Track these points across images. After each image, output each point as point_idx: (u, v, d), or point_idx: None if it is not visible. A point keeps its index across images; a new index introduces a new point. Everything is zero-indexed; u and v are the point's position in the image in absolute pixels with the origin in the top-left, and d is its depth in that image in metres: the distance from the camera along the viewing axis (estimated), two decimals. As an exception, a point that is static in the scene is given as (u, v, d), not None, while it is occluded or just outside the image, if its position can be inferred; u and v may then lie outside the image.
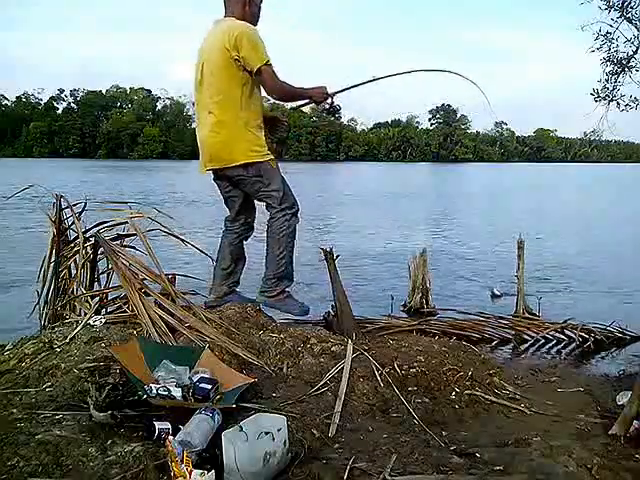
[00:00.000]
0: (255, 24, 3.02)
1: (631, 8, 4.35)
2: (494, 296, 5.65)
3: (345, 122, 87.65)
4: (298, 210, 3.12)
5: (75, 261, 3.26)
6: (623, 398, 2.60)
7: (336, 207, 15.81)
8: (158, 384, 2.12)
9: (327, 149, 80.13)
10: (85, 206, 3.37)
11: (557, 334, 4.39)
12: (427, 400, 2.51)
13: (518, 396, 2.71)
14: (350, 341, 2.91)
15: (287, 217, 3.05)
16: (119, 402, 2.03)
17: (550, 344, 4.34)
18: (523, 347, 4.31)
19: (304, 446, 1.90)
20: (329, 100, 3.13)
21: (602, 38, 4.53)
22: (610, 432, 2.23)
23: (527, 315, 4.79)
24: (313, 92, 3.12)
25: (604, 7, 4.38)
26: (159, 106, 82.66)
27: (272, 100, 3.30)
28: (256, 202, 3.21)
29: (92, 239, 3.25)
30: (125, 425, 1.90)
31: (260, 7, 3.07)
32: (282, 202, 3.04)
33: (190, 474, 1.59)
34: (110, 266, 3.19)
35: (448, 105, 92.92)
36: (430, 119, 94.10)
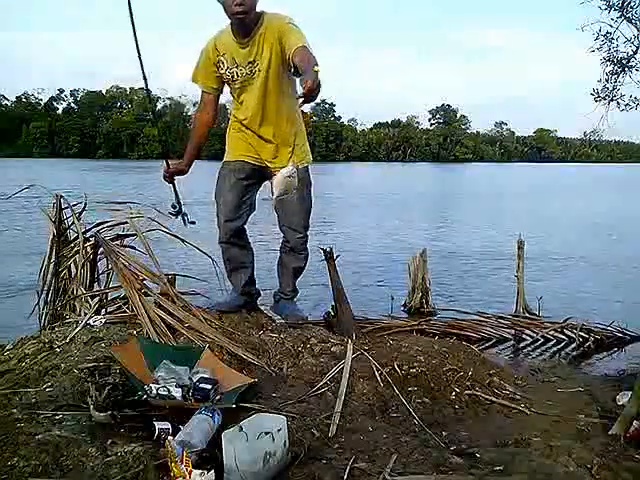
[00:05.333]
0: (234, 21, 2.73)
1: (631, 8, 4.34)
2: None
3: (345, 122, 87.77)
4: (220, 229, 3.09)
5: (75, 261, 3.26)
6: (623, 398, 2.61)
7: (351, 209, 15.78)
8: (158, 384, 2.12)
9: (327, 149, 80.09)
10: (85, 206, 3.37)
11: (557, 334, 4.39)
12: (427, 400, 2.51)
13: (518, 396, 2.71)
14: (350, 341, 2.91)
15: None
16: (119, 402, 2.03)
17: (550, 344, 4.34)
18: (523, 347, 4.32)
19: (304, 446, 1.90)
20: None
21: (602, 38, 4.53)
22: (610, 432, 2.23)
23: (527, 315, 4.80)
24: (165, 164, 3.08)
25: (604, 7, 4.38)
26: (159, 106, 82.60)
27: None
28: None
29: (92, 239, 3.25)
30: (125, 425, 1.90)
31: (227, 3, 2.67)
32: None
33: (190, 474, 1.59)
34: (110, 266, 3.19)
35: (448, 105, 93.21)
36: (430, 119, 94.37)
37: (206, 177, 3.16)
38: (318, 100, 3.08)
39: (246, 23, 2.70)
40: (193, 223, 3.09)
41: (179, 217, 3.09)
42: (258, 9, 2.74)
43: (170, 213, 3.08)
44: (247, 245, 3.20)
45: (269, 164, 2.99)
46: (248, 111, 2.91)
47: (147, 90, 3.06)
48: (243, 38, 2.76)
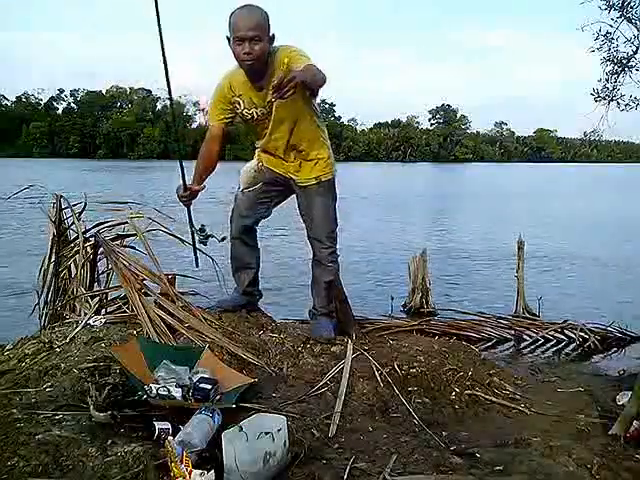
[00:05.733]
0: (244, 67, 2.68)
1: (631, 8, 4.35)
2: None
3: (345, 122, 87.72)
4: (233, 224, 3.11)
5: (75, 261, 3.26)
6: (623, 398, 2.61)
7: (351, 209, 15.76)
8: (158, 384, 2.12)
9: (327, 149, 79.77)
10: (85, 206, 3.37)
11: (557, 334, 4.40)
12: (427, 400, 2.51)
13: (518, 396, 2.71)
14: (350, 341, 2.91)
15: None
16: (119, 402, 2.03)
17: (550, 344, 4.34)
18: (523, 347, 4.32)
19: (304, 446, 1.90)
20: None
21: (602, 38, 4.54)
22: (610, 432, 2.23)
23: (527, 315, 4.80)
24: (178, 188, 2.84)
25: (604, 7, 4.39)
26: (159, 106, 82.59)
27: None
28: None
29: (92, 239, 3.25)
30: (125, 425, 1.90)
31: (237, 46, 2.60)
32: None
33: (190, 474, 1.59)
34: (110, 266, 3.19)
35: (448, 105, 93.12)
36: (430, 119, 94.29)
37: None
38: (318, 100, 3.06)
39: (256, 69, 2.66)
40: (224, 239, 2.98)
41: (208, 241, 2.96)
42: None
43: (201, 242, 2.94)
44: (254, 246, 3.19)
45: (293, 176, 2.98)
46: (268, 142, 2.91)
47: (170, 99, 2.83)
48: (257, 82, 2.72)
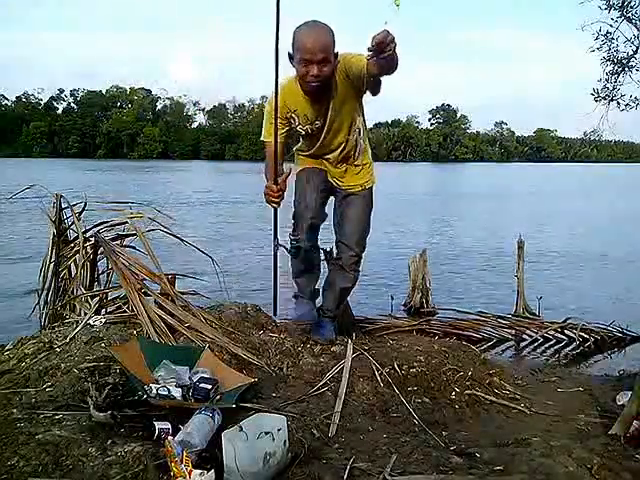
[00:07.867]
0: (303, 85, 2.61)
1: (631, 8, 4.36)
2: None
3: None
4: (303, 228, 2.89)
5: (75, 261, 3.26)
6: (623, 398, 2.60)
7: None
8: (158, 384, 2.12)
9: (327, 149, 79.67)
10: (85, 206, 3.37)
11: (557, 334, 4.40)
12: (427, 400, 2.51)
13: (518, 396, 2.71)
14: (350, 341, 2.91)
15: None
16: (119, 402, 2.02)
17: (550, 344, 4.35)
18: (523, 347, 4.32)
19: (304, 446, 1.90)
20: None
21: (602, 38, 4.56)
22: (610, 432, 2.22)
23: (527, 315, 4.80)
24: (266, 184, 2.68)
25: (604, 7, 4.40)
26: (159, 106, 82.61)
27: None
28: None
29: (92, 239, 3.25)
30: (125, 425, 1.90)
31: (303, 67, 2.52)
32: None
33: (190, 474, 1.59)
34: (110, 266, 3.19)
35: (448, 105, 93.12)
36: (430, 119, 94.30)
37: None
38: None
39: (320, 89, 2.59)
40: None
41: (300, 253, 2.90)
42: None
43: (293, 254, 2.88)
44: (318, 248, 3.11)
45: (338, 181, 2.96)
46: (320, 151, 2.89)
47: (276, 99, 2.58)
48: (316, 98, 2.66)
